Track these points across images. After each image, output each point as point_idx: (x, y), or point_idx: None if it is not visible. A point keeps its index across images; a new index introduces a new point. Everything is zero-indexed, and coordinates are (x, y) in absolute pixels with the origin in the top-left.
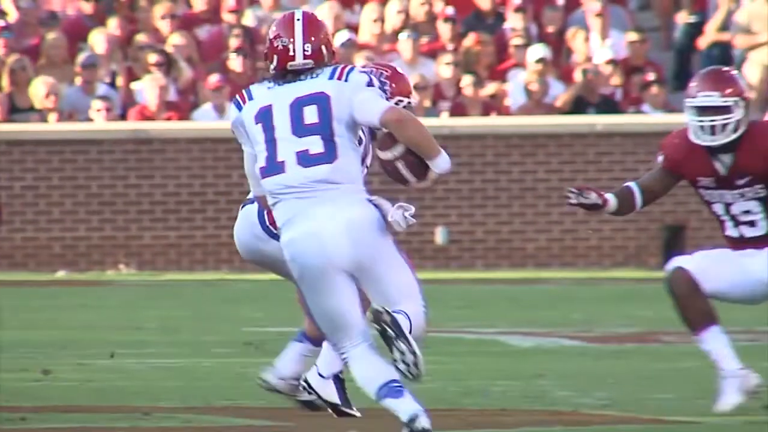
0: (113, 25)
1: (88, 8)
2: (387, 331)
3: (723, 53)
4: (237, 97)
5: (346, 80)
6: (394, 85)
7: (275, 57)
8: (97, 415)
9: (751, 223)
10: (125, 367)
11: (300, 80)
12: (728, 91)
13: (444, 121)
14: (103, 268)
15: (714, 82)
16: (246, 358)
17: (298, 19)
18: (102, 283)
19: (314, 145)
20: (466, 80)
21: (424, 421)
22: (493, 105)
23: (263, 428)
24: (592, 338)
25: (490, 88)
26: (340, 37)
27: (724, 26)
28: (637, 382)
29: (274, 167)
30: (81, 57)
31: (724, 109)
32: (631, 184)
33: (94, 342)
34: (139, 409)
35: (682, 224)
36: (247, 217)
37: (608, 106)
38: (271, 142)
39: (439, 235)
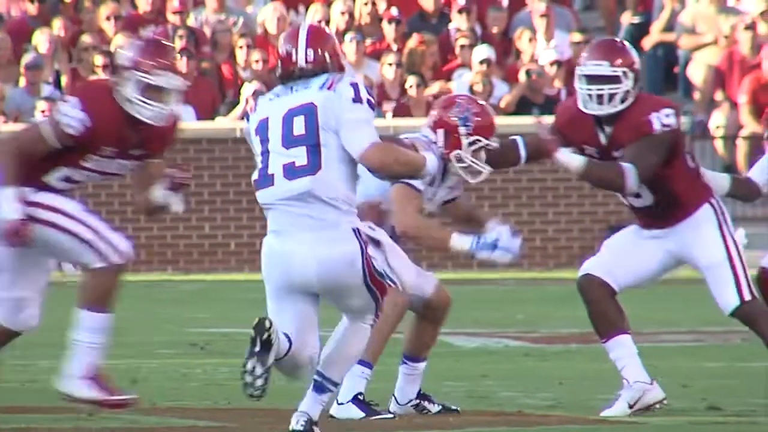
0: (58, 26)
1: (32, 9)
2: (255, 344)
3: (668, 54)
4: (249, 107)
5: (334, 91)
6: (479, 119)
7: (279, 63)
8: (41, 415)
9: (637, 195)
10: None
11: (296, 91)
12: (618, 61)
13: (388, 121)
14: None
15: (605, 51)
16: (191, 359)
17: (303, 29)
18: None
19: (300, 157)
20: (411, 81)
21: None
22: None
23: (207, 429)
24: (537, 339)
25: (434, 87)
26: None
27: (669, 27)
28: (581, 383)
29: (265, 180)
30: (26, 58)
31: (613, 79)
32: (517, 137)
33: (38, 343)
34: (83, 409)
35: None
36: None
37: (552, 106)
38: (265, 154)
39: None
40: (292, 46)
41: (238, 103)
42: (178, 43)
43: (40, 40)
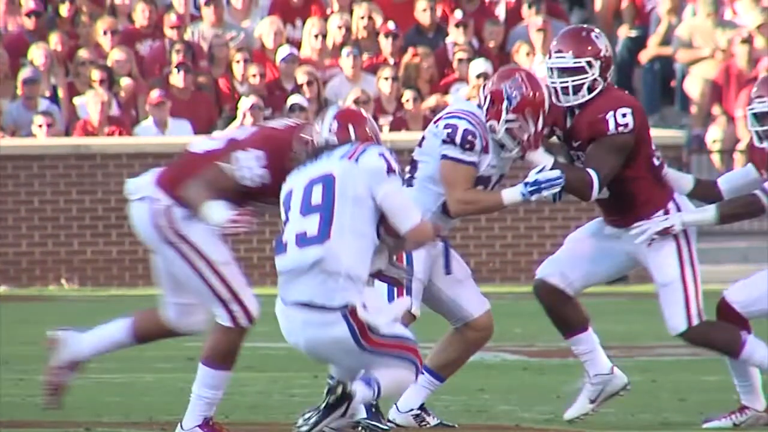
0: (54, 40)
1: (29, 24)
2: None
3: (665, 67)
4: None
5: (356, 161)
6: (526, 99)
7: (309, 137)
8: (39, 430)
9: None
10: None
11: (320, 160)
12: (581, 51)
13: (384, 135)
14: (45, 283)
15: (568, 42)
16: (188, 373)
17: (334, 107)
18: (44, 299)
19: (312, 226)
20: (407, 95)
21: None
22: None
23: None
24: (535, 353)
25: (431, 100)
26: (282, 52)
27: (666, 41)
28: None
29: (279, 247)
30: (24, 72)
31: (577, 70)
32: None
33: (36, 357)
34: (82, 424)
35: None
36: None
37: None
38: (285, 223)
39: None
40: (320, 120)
41: (235, 117)
42: (175, 58)
43: (37, 54)
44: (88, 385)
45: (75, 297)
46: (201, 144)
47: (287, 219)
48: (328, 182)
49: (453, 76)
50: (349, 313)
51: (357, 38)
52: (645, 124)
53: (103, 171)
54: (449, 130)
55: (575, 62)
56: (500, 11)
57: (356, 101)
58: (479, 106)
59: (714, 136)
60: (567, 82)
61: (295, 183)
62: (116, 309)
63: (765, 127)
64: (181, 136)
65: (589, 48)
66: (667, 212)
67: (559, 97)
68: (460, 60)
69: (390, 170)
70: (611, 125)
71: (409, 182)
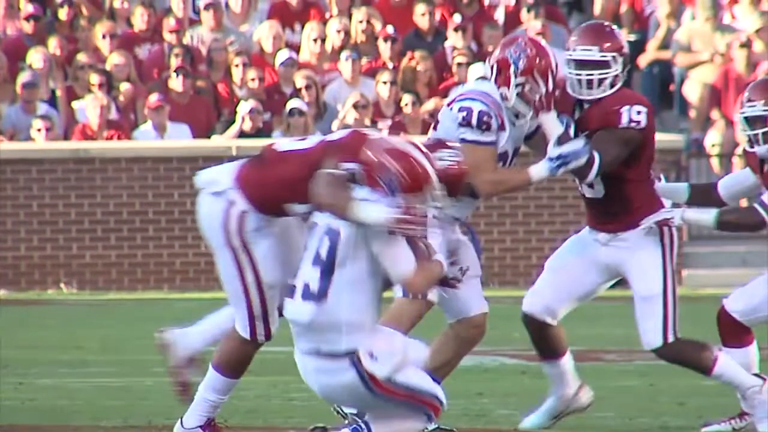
0: (53, 44)
1: (28, 27)
2: None
3: (663, 71)
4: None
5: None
6: (531, 61)
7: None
8: None
9: (590, 185)
10: (67, 386)
11: None
12: (607, 45)
13: None
14: (43, 287)
15: (594, 36)
16: None
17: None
18: (43, 303)
19: (315, 281)
20: (406, 99)
21: None
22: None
23: None
24: (533, 357)
25: (429, 104)
26: (281, 56)
27: (665, 45)
28: None
29: (291, 290)
30: (22, 76)
31: (602, 64)
32: None
33: (36, 361)
34: (81, 428)
35: None
36: None
37: None
38: (301, 260)
39: None
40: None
41: (233, 121)
42: (174, 62)
43: (35, 58)
44: (88, 389)
45: (74, 301)
46: (288, 144)
47: (302, 258)
48: (333, 238)
49: (452, 80)
50: (358, 359)
51: (356, 42)
52: (653, 128)
53: (102, 175)
54: (464, 113)
55: (602, 56)
56: (499, 15)
57: (355, 105)
58: (487, 79)
59: (713, 140)
60: (593, 75)
61: (319, 220)
62: (115, 313)
63: (756, 131)
64: (179, 140)
65: (614, 43)
66: None
67: (581, 90)
68: (459, 64)
69: (392, 232)
70: (624, 119)
71: None
